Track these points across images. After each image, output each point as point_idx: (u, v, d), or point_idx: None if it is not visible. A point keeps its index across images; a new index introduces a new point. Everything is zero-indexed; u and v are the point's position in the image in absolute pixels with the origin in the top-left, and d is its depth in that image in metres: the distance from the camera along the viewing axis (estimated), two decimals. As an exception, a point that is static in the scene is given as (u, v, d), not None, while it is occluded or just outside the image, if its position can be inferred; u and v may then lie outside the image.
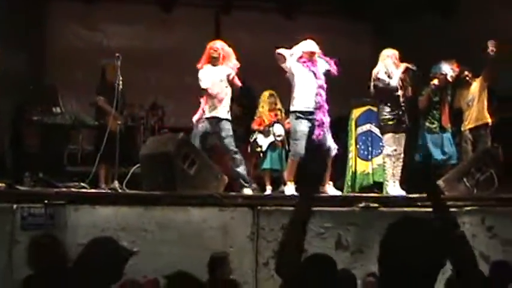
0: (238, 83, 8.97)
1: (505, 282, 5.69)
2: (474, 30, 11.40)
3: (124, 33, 13.51)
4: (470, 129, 9.85)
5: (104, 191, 8.66)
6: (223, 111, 8.84)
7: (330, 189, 8.92)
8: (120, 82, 8.94)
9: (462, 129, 9.93)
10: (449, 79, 9.85)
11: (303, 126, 8.76)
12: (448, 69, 9.83)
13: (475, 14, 11.73)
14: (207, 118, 8.83)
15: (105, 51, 12.29)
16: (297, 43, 8.95)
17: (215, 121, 8.82)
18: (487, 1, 11.83)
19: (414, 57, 9.81)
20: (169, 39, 13.63)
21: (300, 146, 8.77)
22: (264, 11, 14.02)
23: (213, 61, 8.90)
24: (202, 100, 8.91)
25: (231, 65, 8.88)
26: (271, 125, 10.24)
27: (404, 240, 2.64)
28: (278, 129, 10.28)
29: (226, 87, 8.87)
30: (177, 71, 12.15)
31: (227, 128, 8.84)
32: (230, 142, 8.82)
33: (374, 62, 9.44)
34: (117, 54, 9.15)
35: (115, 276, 3.65)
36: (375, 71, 9.25)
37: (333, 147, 8.95)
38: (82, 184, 8.60)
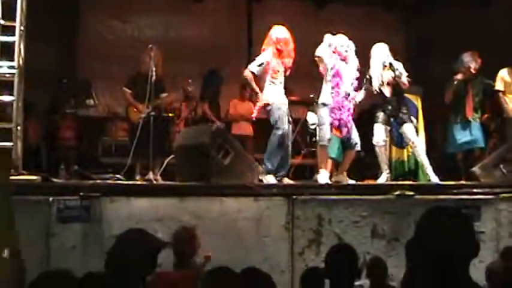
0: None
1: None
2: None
3: (155, 24, 13.54)
4: None
5: (138, 182, 8.69)
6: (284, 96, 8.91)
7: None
8: (154, 73, 8.95)
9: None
10: (473, 71, 9.74)
11: (328, 113, 8.79)
12: (471, 61, 9.71)
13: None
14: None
15: (137, 42, 12.32)
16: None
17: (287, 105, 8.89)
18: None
19: (448, 47, 9.69)
20: (201, 29, 13.63)
21: (324, 131, 8.82)
22: (296, -1, 13.98)
23: (278, 52, 8.83)
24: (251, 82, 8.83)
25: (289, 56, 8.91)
26: None
27: (438, 228, 2.62)
28: (311, 118, 10.28)
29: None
30: (210, 61, 12.12)
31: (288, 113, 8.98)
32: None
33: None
34: (150, 46, 9.17)
35: (148, 267, 3.64)
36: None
37: (358, 142, 9.02)
38: (117, 176, 8.65)
